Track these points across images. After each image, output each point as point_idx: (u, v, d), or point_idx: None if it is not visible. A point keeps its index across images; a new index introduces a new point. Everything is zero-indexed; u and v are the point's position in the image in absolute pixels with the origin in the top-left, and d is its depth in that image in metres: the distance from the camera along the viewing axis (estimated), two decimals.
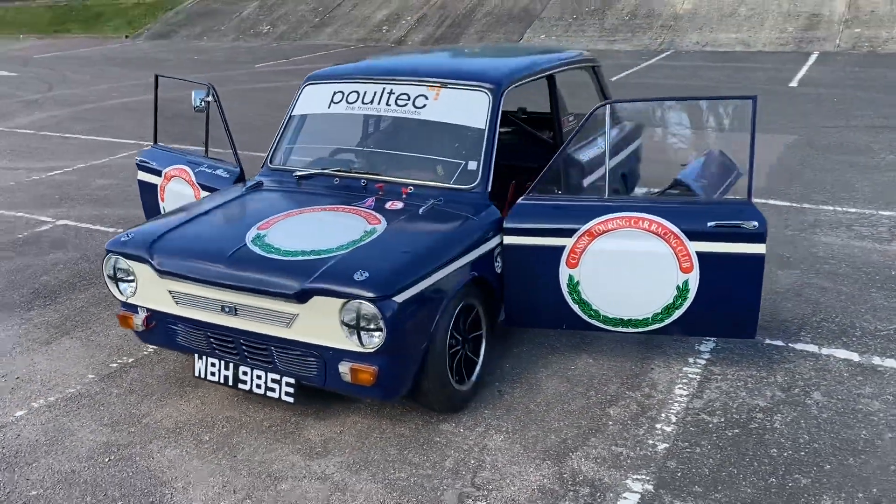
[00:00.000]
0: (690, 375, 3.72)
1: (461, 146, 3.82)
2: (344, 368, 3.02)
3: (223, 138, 4.49)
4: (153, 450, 3.23)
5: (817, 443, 3.17)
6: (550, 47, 5.03)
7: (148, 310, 3.45)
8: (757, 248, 3.39)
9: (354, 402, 3.50)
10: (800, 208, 6.18)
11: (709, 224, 3.40)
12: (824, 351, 3.91)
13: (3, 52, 22.04)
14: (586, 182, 4.23)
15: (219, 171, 4.43)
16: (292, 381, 3.21)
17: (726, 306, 3.51)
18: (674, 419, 3.36)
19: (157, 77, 4.97)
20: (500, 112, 3.82)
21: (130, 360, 4.01)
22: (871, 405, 3.43)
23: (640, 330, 3.63)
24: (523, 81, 4.11)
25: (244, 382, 3.31)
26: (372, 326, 2.93)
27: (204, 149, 4.72)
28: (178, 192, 4.61)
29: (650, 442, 3.20)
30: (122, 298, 3.52)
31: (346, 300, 2.93)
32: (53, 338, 4.31)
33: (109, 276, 3.51)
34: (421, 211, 3.50)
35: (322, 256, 3.10)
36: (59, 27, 26.19)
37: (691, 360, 3.87)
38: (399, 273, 3.01)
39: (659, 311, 3.55)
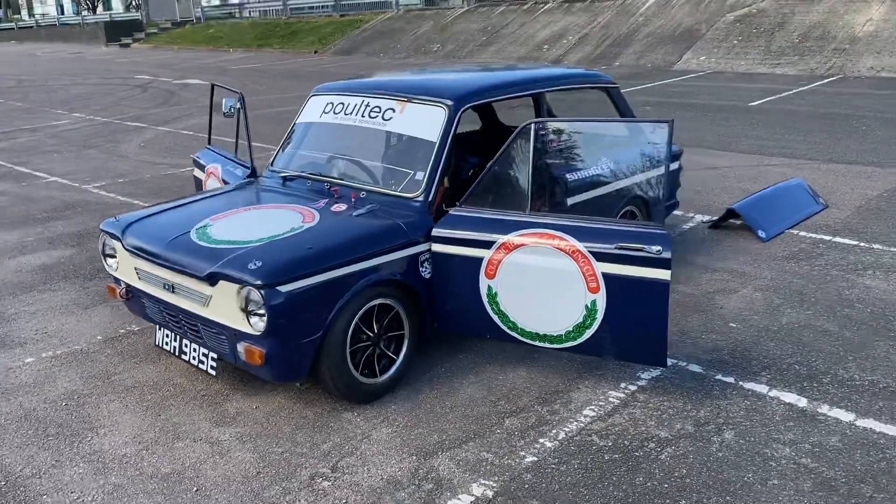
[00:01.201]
0: (611, 399, 3.68)
1: (413, 157, 4.04)
2: (241, 348, 3.38)
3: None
4: (103, 401, 3.77)
5: (690, 478, 3.06)
6: (554, 68, 5.03)
7: (125, 283, 4.01)
8: (660, 274, 3.32)
9: (285, 386, 3.83)
10: (867, 248, 5.70)
11: (613, 245, 3.39)
12: (773, 393, 3.70)
13: (210, 63, 24.84)
14: (518, 197, 4.20)
15: (237, 170, 4.97)
16: (215, 355, 3.61)
17: (634, 331, 3.46)
18: (561, 436, 3.37)
19: (213, 86, 5.63)
20: (455, 127, 4.01)
21: (136, 329, 4.62)
22: (781, 451, 3.23)
23: (556, 346, 3.66)
24: (487, 100, 4.28)
25: (186, 353, 3.76)
26: (260, 311, 3.26)
27: (234, 149, 5.30)
28: (212, 186, 5.21)
29: (522, 454, 3.25)
30: (110, 272, 4.12)
31: (240, 286, 3.28)
32: (93, 304, 5.04)
33: (101, 253, 4.12)
34: (354, 214, 3.78)
35: (238, 246, 3.48)
36: (263, 42, 28.97)
37: (624, 384, 3.81)
38: (292, 265, 3.32)
39: (571, 329, 3.57)
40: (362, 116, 4.29)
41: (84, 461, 3.27)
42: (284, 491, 3.03)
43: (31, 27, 45.43)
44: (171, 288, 3.64)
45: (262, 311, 3.24)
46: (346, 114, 4.39)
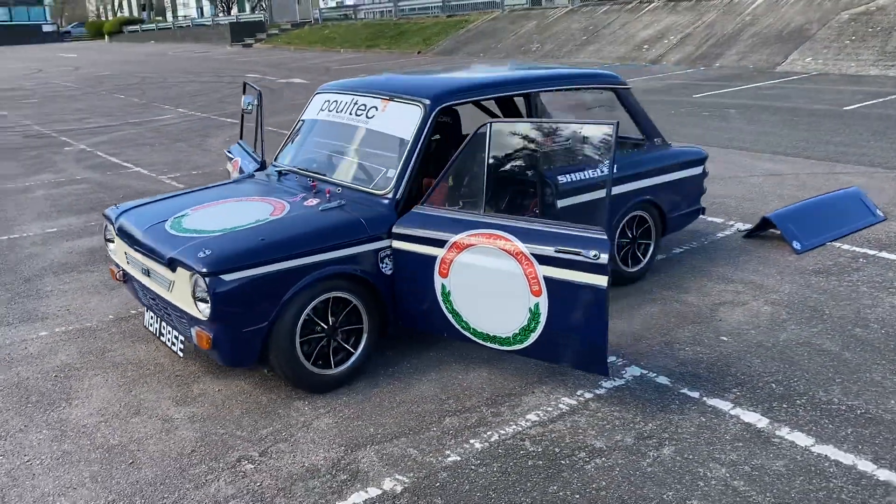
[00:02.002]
0: (561, 405, 3.60)
1: (388, 154, 4.10)
2: (193, 332, 3.56)
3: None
4: (88, 375, 4.05)
5: (606, 491, 2.97)
6: (557, 69, 4.87)
7: (120, 266, 4.29)
8: (597, 280, 3.23)
9: (254, 370, 3.99)
10: None
11: (553, 249, 3.32)
12: (735, 412, 3.51)
13: (318, 62, 25.75)
14: (474, 197, 4.13)
15: (251, 164, 5.19)
16: (182, 337, 3.81)
17: (574, 337, 3.38)
18: (493, 438, 3.34)
19: (244, 84, 5.89)
20: (430, 126, 4.04)
21: (143, 310, 4.92)
22: (715, 471, 3.07)
23: (505, 348, 3.63)
24: (466, 100, 4.27)
25: (163, 335, 3.99)
26: (205, 297, 3.42)
27: (254, 144, 5.53)
28: (235, 177, 5.47)
29: (447, 452, 3.25)
30: (111, 255, 4.42)
31: (191, 272, 3.46)
32: (118, 286, 5.40)
33: (104, 237, 4.43)
34: (321, 208, 3.89)
35: (200, 235, 3.66)
36: (371, 43, 29.72)
37: (581, 392, 3.72)
38: (239, 255, 3.45)
39: (517, 331, 3.53)
40: (350, 114, 4.40)
41: (48, 428, 3.54)
42: (209, 470, 3.18)
43: (169, 28, 48.55)
44: (147, 272, 3.87)
45: (206, 298, 3.41)
46: (337, 112, 4.51)
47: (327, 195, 4.06)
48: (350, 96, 4.47)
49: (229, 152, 5.88)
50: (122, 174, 9.47)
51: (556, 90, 4.76)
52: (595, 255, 3.23)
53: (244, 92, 5.84)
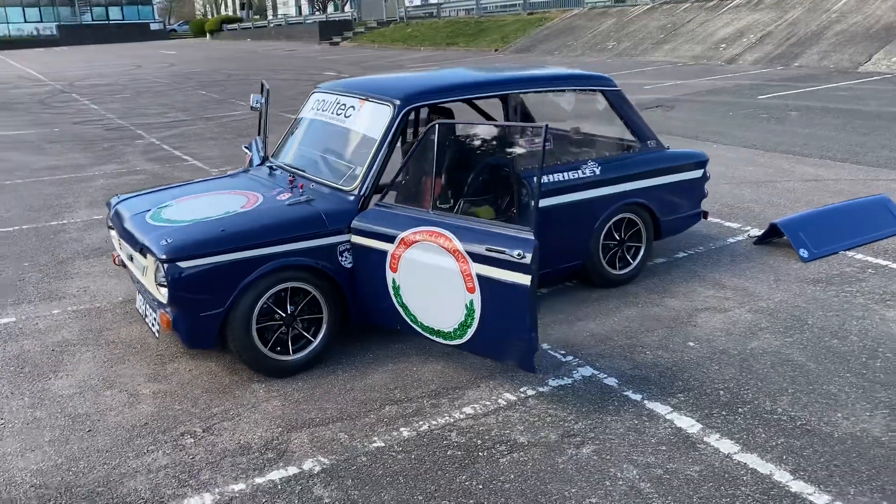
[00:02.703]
0: (501, 400, 3.69)
1: (358, 152, 4.27)
2: (158, 314, 3.83)
3: None
4: (80, 351, 4.40)
5: (510, 484, 3.05)
6: (541, 70, 4.87)
7: (117, 253, 4.64)
8: (521, 279, 3.30)
9: (228, 352, 4.23)
10: None
11: (484, 247, 3.41)
12: (671, 416, 3.51)
13: (395, 60, 26.20)
14: (424, 195, 4.19)
15: (257, 159, 5.46)
16: (158, 318, 4.10)
17: (504, 333, 3.46)
18: (423, 428, 3.46)
19: (262, 84, 6.18)
20: (399, 125, 4.18)
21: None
22: (627, 472, 3.10)
23: (449, 343, 3.74)
24: (438, 100, 4.38)
25: (147, 317, 4.30)
26: (164, 282, 3.68)
27: (263, 140, 5.79)
28: None
29: (374, 439, 3.39)
30: (113, 241, 4.77)
31: (154, 258, 3.73)
32: None
33: (106, 224, 4.78)
34: (288, 202, 4.10)
35: (170, 225, 3.93)
36: (451, 41, 29.99)
37: (525, 388, 3.79)
38: (197, 244, 3.70)
39: (457, 327, 3.64)
40: (332, 113, 4.59)
41: (29, 396, 3.89)
42: (153, 441, 3.43)
43: (265, 26, 50.34)
44: (130, 258, 4.18)
45: (165, 283, 3.66)
46: (323, 111, 4.71)
47: (300, 189, 4.26)
48: (335, 96, 4.66)
49: (247, 148, 6.18)
50: (179, 167, 10.01)
51: (538, 92, 4.81)
52: (519, 255, 3.30)
53: (261, 91, 6.13)
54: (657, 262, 5.56)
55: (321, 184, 4.28)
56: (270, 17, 56.57)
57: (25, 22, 61.60)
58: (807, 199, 6.93)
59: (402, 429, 3.47)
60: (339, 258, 3.99)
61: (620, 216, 4.96)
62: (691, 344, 4.24)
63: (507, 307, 3.39)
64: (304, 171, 4.51)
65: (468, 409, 3.62)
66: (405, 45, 32.27)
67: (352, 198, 4.08)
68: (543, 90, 4.84)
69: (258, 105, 5.60)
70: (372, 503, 2.97)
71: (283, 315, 3.92)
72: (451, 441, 3.36)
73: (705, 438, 3.32)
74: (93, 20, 63.53)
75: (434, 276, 3.63)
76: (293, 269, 3.88)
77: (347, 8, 43.98)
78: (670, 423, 3.45)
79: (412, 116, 5.31)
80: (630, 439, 3.34)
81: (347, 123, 4.43)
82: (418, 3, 39.29)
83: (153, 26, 63.46)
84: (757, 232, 6.11)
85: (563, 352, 4.19)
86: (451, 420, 3.53)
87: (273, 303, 3.88)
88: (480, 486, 3.04)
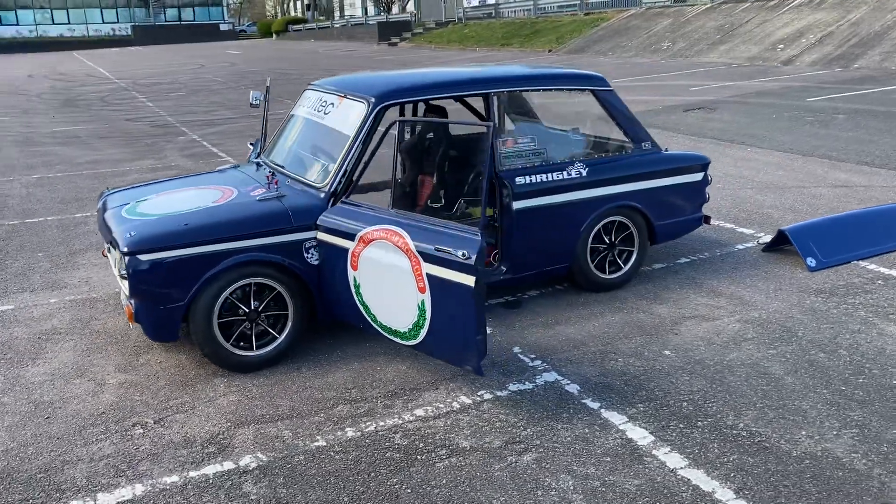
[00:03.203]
0: (455, 404, 3.62)
1: (333, 149, 4.25)
2: (125, 305, 3.89)
3: None
4: (64, 339, 4.51)
5: (441, 489, 2.98)
6: (527, 69, 4.80)
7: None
8: (465, 279, 3.23)
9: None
10: None
11: (433, 247, 3.35)
12: (624, 426, 3.39)
13: (446, 61, 26.21)
14: (385, 193, 4.16)
15: (253, 155, 5.51)
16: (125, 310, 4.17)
17: (453, 336, 3.39)
18: (369, 429, 3.42)
19: (267, 89, 6.24)
20: (374, 123, 4.14)
21: None
22: (563, 483, 3.00)
23: (405, 343, 3.69)
24: (413, 98, 4.35)
25: (126, 306, 4.38)
26: (125, 274, 3.74)
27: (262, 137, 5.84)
28: None
29: (317, 438, 3.37)
30: None
31: (118, 251, 3.79)
32: None
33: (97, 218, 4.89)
34: (258, 198, 4.11)
35: (141, 219, 3.99)
36: (506, 41, 29.83)
37: (483, 392, 3.71)
38: (158, 238, 3.74)
39: (411, 326, 3.59)
40: (315, 110, 4.60)
41: (2, 382, 4.00)
42: (105, 431, 3.49)
43: (327, 27, 51.05)
44: (109, 250, 4.27)
45: (125, 275, 3.72)
46: (308, 107, 4.72)
47: (275, 185, 4.27)
48: (320, 93, 4.67)
49: (252, 144, 6.25)
50: (211, 163, 10.21)
51: (523, 91, 4.71)
52: (464, 255, 3.23)
53: (268, 91, 6.18)
54: (655, 267, 5.39)
55: (296, 180, 4.29)
56: (337, 18, 57.37)
57: (103, 23, 63.94)
58: (830, 207, 6.61)
59: (347, 429, 3.44)
60: (305, 255, 3.98)
61: (610, 219, 4.82)
62: (667, 353, 4.08)
63: (454, 309, 3.33)
64: (284, 167, 4.52)
65: (420, 412, 3.56)
66: (461, 45, 32.26)
67: (322, 195, 4.07)
68: (528, 89, 4.74)
69: (257, 102, 5.64)
70: (297, 502, 2.95)
71: (247, 311, 3.93)
72: (393, 443, 3.31)
73: (654, 451, 3.19)
74: (166, 21, 65.58)
75: (389, 275, 3.59)
76: (257, 265, 3.89)
77: (410, 7, 44.27)
78: (621, 434, 3.33)
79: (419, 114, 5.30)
80: (575, 449, 3.23)
81: (326, 120, 4.43)
82: (476, 3, 39.24)
83: (223, 27, 65.06)
84: (768, 239, 5.86)
85: (532, 356, 4.09)
86: (400, 422, 3.48)
87: (237, 298, 3.90)
88: (409, 491, 2.99)
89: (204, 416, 3.59)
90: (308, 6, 62.65)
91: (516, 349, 4.18)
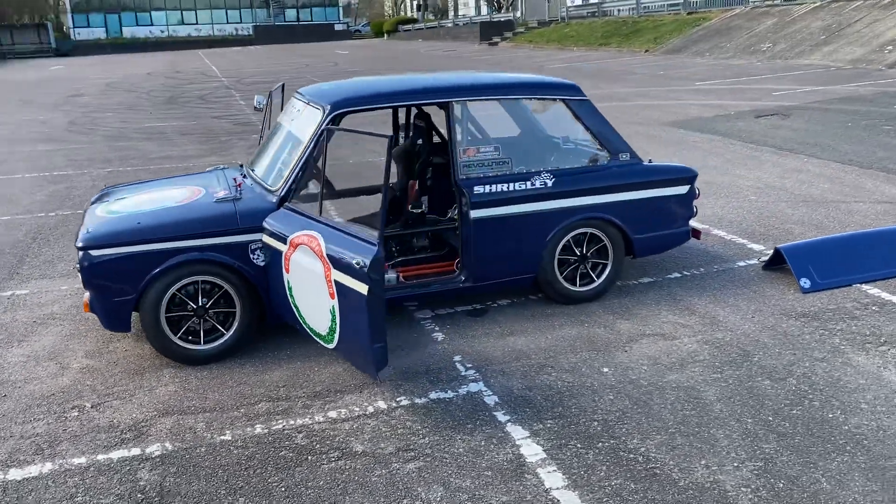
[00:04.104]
0: (370, 408, 3.68)
1: (290, 154, 4.40)
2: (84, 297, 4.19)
3: None
4: (55, 323, 4.87)
5: (313, 491, 3.06)
6: (498, 76, 4.80)
7: None
8: (361, 287, 3.29)
9: None
10: None
11: (338, 252, 3.43)
12: (522, 441, 3.37)
13: (540, 60, 26.03)
14: (315, 198, 4.14)
15: None
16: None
17: (358, 341, 3.46)
18: (277, 427, 3.53)
19: (269, 94, 6.47)
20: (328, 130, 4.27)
21: None
22: (434, 493, 3.02)
23: (327, 346, 3.79)
24: (370, 106, 4.45)
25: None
26: (78, 268, 4.02)
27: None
28: None
29: (226, 432, 3.51)
30: None
31: (74, 245, 4.08)
32: None
33: None
34: (215, 199, 4.32)
35: (109, 216, 4.28)
36: (604, 41, 29.30)
37: (401, 398, 3.76)
38: (109, 235, 4.01)
39: (328, 331, 3.68)
40: (290, 117, 4.76)
41: None
42: (46, 412, 3.77)
43: (435, 27, 51.69)
44: None
45: (78, 269, 4.01)
46: (287, 114, 4.89)
47: (238, 188, 4.47)
48: (296, 100, 4.83)
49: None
50: None
51: (486, 100, 4.69)
52: (359, 263, 3.29)
53: (282, 94, 6.42)
54: (642, 281, 5.25)
55: (259, 183, 4.47)
56: (451, 17, 57.96)
57: (227, 23, 67.39)
58: (863, 224, 6.20)
59: (257, 426, 3.57)
60: (251, 256, 4.14)
61: (580, 231, 4.74)
62: (605, 370, 3.99)
63: (354, 316, 3.40)
64: (254, 170, 4.71)
65: (333, 414, 3.65)
66: (560, 45, 31.94)
67: (274, 199, 4.23)
68: (491, 98, 4.71)
69: (261, 106, 5.88)
70: (179, 492, 3.11)
71: (195, 307, 4.14)
72: (292, 442, 3.42)
73: (539, 469, 3.15)
74: (285, 21, 68.31)
75: (310, 279, 3.70)
76: (204, 264, 4.09)
77: (514, 7, 44.19)
78: (515, 450, 3.30)
79: (412, 120, 5.40)
80: (462, 461, 3.23)
81: (291, 126, 4.59)
82: (580, 2, 38.69)
83: (337, 27, 67.08)
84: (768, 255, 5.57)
85: (469, 365, 4.10)
86: (309, 422, 3.58)
87: (188, 294, 4.12)
88: (283, 489, 3.09)
89: (137, 404, 3.82)
90: (419, 6, 63.62)
91: (457, 357, 4.20)
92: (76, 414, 3.75)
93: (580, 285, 4.85)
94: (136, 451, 3.40)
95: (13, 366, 4.31)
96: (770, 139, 10.01)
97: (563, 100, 4.76)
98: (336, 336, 3.61)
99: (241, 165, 5.37)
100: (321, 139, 4.21)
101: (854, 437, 3.28)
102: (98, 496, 3.09)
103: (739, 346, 4.20)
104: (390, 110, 5.22)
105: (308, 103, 4.52)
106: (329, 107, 4.31)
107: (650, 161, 5.03)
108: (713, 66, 19.89)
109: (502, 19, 41.07)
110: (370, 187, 5.55)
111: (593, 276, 4.87)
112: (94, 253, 3.97)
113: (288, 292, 3.96)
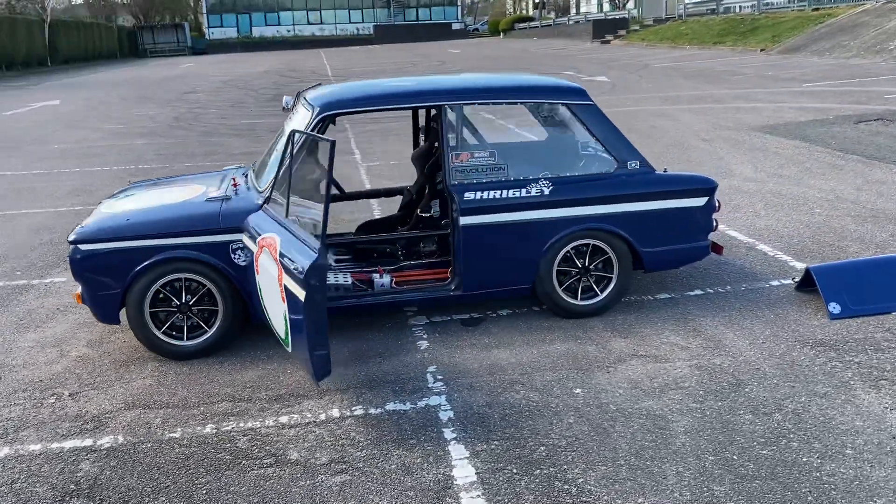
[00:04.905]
0: (322, 416, 3.63)
1: (281, 156, 4.41)
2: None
3: None
4: (74, 312, 5.10)
5: (231, 496, 3.04)
6: (499, 79, 4.57)
7: None
8: (300, 293, 3.25)
9: None
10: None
11: (285, 257, 3.40)
12: (459, 462, 3.23)
13: (647, 59, 25.20)
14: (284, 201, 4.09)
15: None
16: None
17: (300, 345, 3.41)
18: (227, 428, 3.54)
19: (298, 94, 6.54)
20: (314, 131, 4.26)
21: None
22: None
23: (288, 350, 3.76)
24: (359, 109, 4.42)
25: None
26: (69, 261, 4.19)
27: None
28: None
29: (177, 429, 3.56)
30: None
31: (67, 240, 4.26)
32: None
33: None
34: (206, 198, 4.40)
35: (108, 212, 4.44)
36: (719, 39, 28.02)
37: (357, 407, 3.70)
38: (98, 231, 4.16)
39: (285, 334, 3.66)
40: (292, 119, 4.78)
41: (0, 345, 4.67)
42: (28, 396, 3.95)
43: (549, 25, 51.16)
44: None
45: (68, 262, 4.18)
46: (292, 116, 4.92)
47: (234, 189, 4.53)
48: (299, 102, 4.85)
49: None
50: (340, 160, 10.80)
51: (480, 104, 4.54)
52: (297, 269, 3.25)
53: (295, 102, 6.48)
54: (658, 297, 4.94)
55: (253, 185, 4.52)
56: (573, 14, 57.23)
57: (349, 23, 69.36)
58: None
59: (209, 425, 3.60)
60: (232, 256, 4.19)
61: (582, 242, 4.50)
62: (577, 391, 3.77)
63: (299, 321, 3.36)
64: (254, 172, 4.77)
65: (284, 419, 3.63)
66: (673, 43, 30.83)
67: (260, 199, 4.26)
68: (487, 102, 4.55)
69: (289, 107, 5.95)
70: (110, 486, 3.16)
71: (179, 303, 4.23)
72: (234, 445, 3.42)
73: (462, 493, 3.00)
74: (404, 21, 69.53)
75: (270, 282, 3.69)
76: (186, 262, 4.17)
77: (631, 6, 43.05)
78: (447, 471, 3.16)
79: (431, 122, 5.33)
80: (390, 479, 3.12)
81: (287, 128, 4.60)
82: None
83: (455, 26, 67.62)
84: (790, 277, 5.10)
85: (440, 377, 3.98)
86: (258, 426, 3.58)
87: (172, 291, 4.21)
88: (204, 492, 3.09)
89: (111, 395, 3.94)
90: (536, 4, 63.13)
91: (432, 368, 4.08)
92: (53, 401, 3.91)
93: (582, 299, 4.61)
94: (88, 442, 3.50)
95: (19, 350, 4.55)
96: (862, 147, 9.23)
97: (566, 104, 4.54)
98: (291, 339, 3.58)
99: (242, 166, 5.46)
100: (305, 141, 4.22)
101: (821, 487, 2.94)
102: (35, 484, 3.20)
103: (735, 374, 3.86)
104: (395, 112, 5.15)
105: (304, 106, 4.52)
106: (318, 108, 4.30)
107: (665, 170, 4.72)
108: (829, 67, 18.60)
109: (617, 17, 40.07)
110: (377, 191, 5.53)
111: (597, 289, 4.62)
112: (82, 247, 4.12)
113: (259, 293, 3.98)
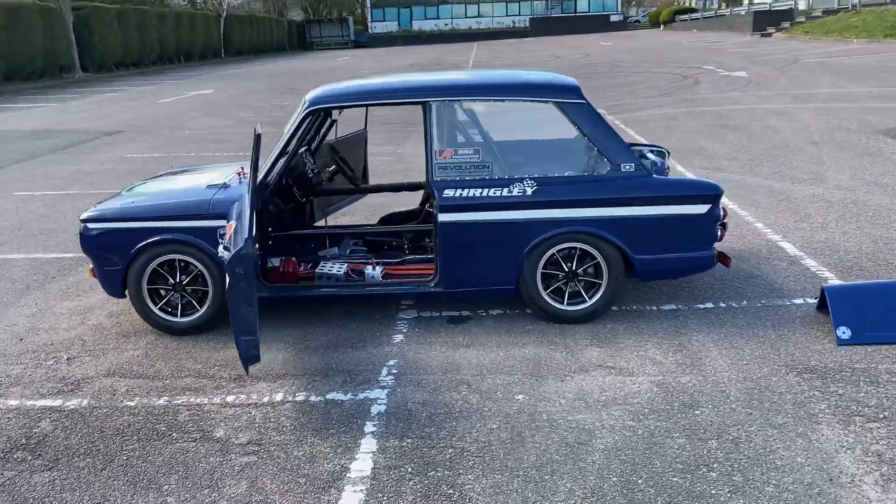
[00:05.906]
0: (266, 398, 3.78)
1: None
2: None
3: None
4: (65, 289, 5.54)
5: (138, 464, 3.25)
6: (487, 75, 4.31)
7: None
8: (227, 279, 3.39)
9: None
10: None
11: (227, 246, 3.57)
12: (361, 455, 3.26)
13: (800, 53, 23.44)
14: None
15: None
16: None
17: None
18: (176, 402, 3.77)
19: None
20: (299, 124, 4.43)
21: None
22: (231, 490, 3.05)
23: None
24: (344, 104, 4.50)
25: None
26: (79, 237, 4.60)
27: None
28: None
29: (135, 398, 3.83)
30: None
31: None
32: None
33: None
34: (206, 185, 4.67)
35: (126, 195, 4.82)
36: (891, 32, 25.56)
37: (303, 394, 3.81)
38: (106, 212, 4.52)
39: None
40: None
41: (34, 307, 5.17)
42: (34, 357, 4.38)
43: (710, 17, 48.68)
44: None
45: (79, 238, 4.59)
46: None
47: (238, 178, 4.77)
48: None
49: None
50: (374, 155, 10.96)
51: (466, 101, 4.48)
52: (222, 256, 3.39)
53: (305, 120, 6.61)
54: (662, 307, 4.68)
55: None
56: (745, 5, 54.33)
57: (506, 16, 69.53)
58: None
59: (164, 397, 3.84)
60: (220, 240, 4.42)
61: (568, 245, 4.36)
62: (519, 397, 3.67)
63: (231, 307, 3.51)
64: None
65: (231, 398, 3.81)
66: (840, 36, 28.44)
67: (259, 187, 4.46)
68: (472, 99, 4.47)
69: None
70: (52, 444, 3.45)
71: (174, 282, 4.53)
72: (173, 418, 3.63)
73: (348, 487, 3.04)
74: (561, 13, 68.72)
75: None
76: (179, 244, 4.45)
77: None
78: (346, 463, 3.20)
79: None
80: (291, 465, 3.21)
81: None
82: None
83: (613, 18, 65.95)
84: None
85: (395, 371, 4.01)
86: (205, 402, 3.78)
87: (169, 270, 4.52)
88: (124, 459, 3.30)
89: (100, 363, 4.29)
90: None
91: (392, 362, 4.12)
92: (51, 363, 4.32)
93: (569, 304, 4.46)
94: (58, 403, 3.84)
95: (52, 316, 5.05)
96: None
97: (556, 103, 4.38)
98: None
99: None
100: (295, 132, 4.41)
101: None
102: None
103: (693, 395, 3.61)
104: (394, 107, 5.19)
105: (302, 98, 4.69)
106: (307, 102, 4.45)
107: (667, 171, 4.45)
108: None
109: (782, 8, 37.48)
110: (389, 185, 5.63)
111: (585, 295, 4.45)
112: (91, 226, 4.51)
113: None
